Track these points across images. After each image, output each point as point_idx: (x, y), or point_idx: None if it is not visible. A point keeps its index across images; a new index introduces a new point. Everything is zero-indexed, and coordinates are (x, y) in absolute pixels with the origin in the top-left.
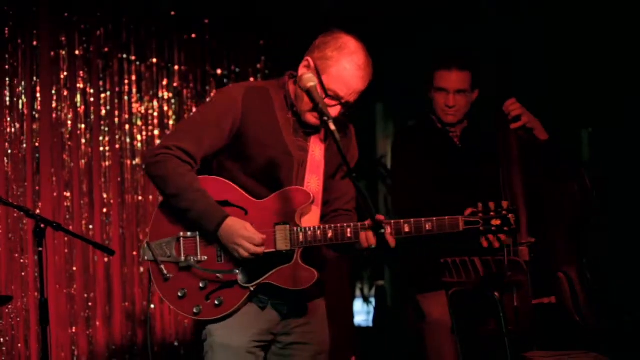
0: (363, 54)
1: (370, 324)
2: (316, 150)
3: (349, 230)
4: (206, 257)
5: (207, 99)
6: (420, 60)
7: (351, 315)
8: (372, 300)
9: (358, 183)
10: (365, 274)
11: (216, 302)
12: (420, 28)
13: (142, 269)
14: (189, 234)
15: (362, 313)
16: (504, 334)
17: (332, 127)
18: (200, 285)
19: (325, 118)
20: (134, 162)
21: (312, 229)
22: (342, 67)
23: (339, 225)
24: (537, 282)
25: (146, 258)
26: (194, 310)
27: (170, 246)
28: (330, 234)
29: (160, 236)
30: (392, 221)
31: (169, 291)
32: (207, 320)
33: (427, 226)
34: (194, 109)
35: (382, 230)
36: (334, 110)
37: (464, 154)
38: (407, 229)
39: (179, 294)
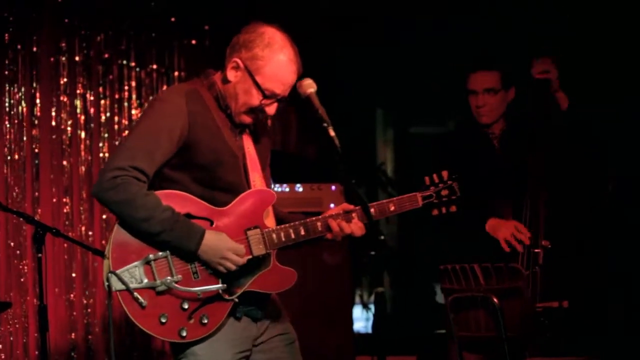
0: (291, 45)
1: (370, 331)
2: (249, 147)
3: (319, 224)
4: (181, 276)
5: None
6: (420, 66)
7: (350, 321)
8: (372, 306)
9: (358, 189)
10: (365, 280)
11: (204, 321)
12: (422, 33)
13: None
14: (160, 254)
15: (362, 320)
16: (503, 340)
17: (332, 133)
18: (184, 306)
19: (325, 124)
20: None
21: (283, 228)
22: (275, 65)
23: (307, 220)
24: (547, 286)
25: (114, 289)
26: (182, 334)
27: (140, 271)
28: (302, 231)
29: (126, 262)
30: (358, 207)
31: (148, 319)
32: (192, 341)
33: (390, 207)
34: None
35: (382, 237)
36: (272, 109)
37: (502, 156)
38: (372, 211)
39: (162, 320)
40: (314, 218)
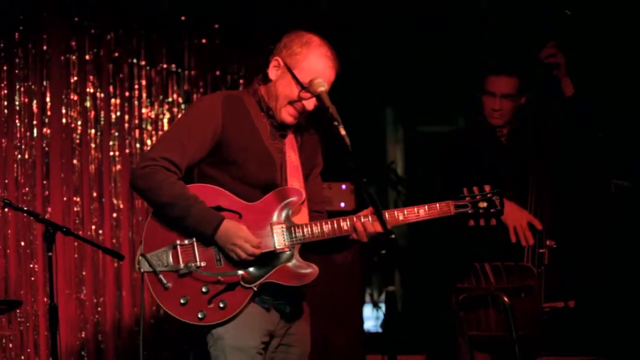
0: (328, 46)
1: (380, 330)
2: (291, 153)
3: (344, 223)
4: (205, 263)
5: (187, 108)
6: (431, 65)
7: (361, 320)
8: (382, 305)
9: (369, 188)
10: (375, 279)
11: (220, 305)
12: (432, 32)
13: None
14: (185, 241)
15: (372, 319)
16: (514, 339)
17: (343, 132)
18: (203, 290)
19: (336, 123)
20: None
21: (308, 225)
22: (312, 59)
23: (334, 220)
24: (553, 286)
25: (142, 270)
26: (199, 316)
27: (167, 255)
28: (327, 229)
29: (155, 247)
30: (386, 211)
31: (170, 300)
32: (211, 324)
33: (420, 212)
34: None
35: (393, 236)
36: (310, 103)
37: (511, 154)
38: (401, 218)
39: (182, 301)
40: (340, 218)
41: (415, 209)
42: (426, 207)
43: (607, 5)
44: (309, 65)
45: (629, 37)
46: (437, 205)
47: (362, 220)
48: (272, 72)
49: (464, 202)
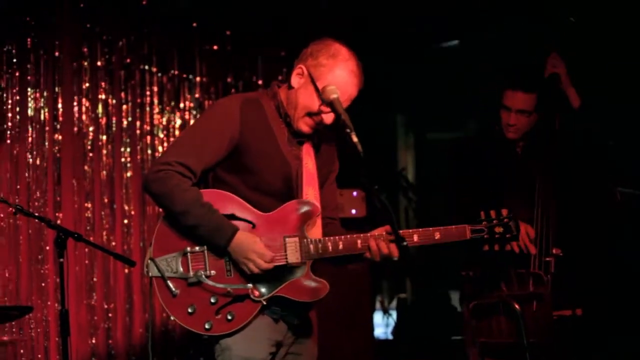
0: (355, 60)
1: (390, 337)
2: (308, 160)
3: (359, 241)
4: (215, 272)
5: (203, 112)
6: (442, 72)
7: (371, 327)
8: (392, 312)
9: (381, 195)
10: (386, 286)
11: (228, 317)
12: (444, 39)
13: None
14: (196, 248)
15: (382, 325)
16: (525, 346)
17: (355, 139)
18: (212, 300)
19: (348, 130)
20: None
21: (322, 241)
22: (337, 73)
23: (348, 236)
24: (560, 294)
25: (151, 274)
26: (206, 327)
27: (177, 261)
28: (341, 246)
29: (165, 251)
30: (401, 231)
31: (177, 308)
32: (218, 335)
33: (436, 235)
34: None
35: (405, 243)
36: (329, 117)
37: (525, 165)
38: (416, 239)
39: (189, 310)
40: (354, 235)
41: (432, 231)
42: (442, 229)
43: (608, 6)
44: (333, 79)
45: (631, 38)
46: (454, 228)
47: (377, 240)
48: (295, 80)
49: (481, 226)
